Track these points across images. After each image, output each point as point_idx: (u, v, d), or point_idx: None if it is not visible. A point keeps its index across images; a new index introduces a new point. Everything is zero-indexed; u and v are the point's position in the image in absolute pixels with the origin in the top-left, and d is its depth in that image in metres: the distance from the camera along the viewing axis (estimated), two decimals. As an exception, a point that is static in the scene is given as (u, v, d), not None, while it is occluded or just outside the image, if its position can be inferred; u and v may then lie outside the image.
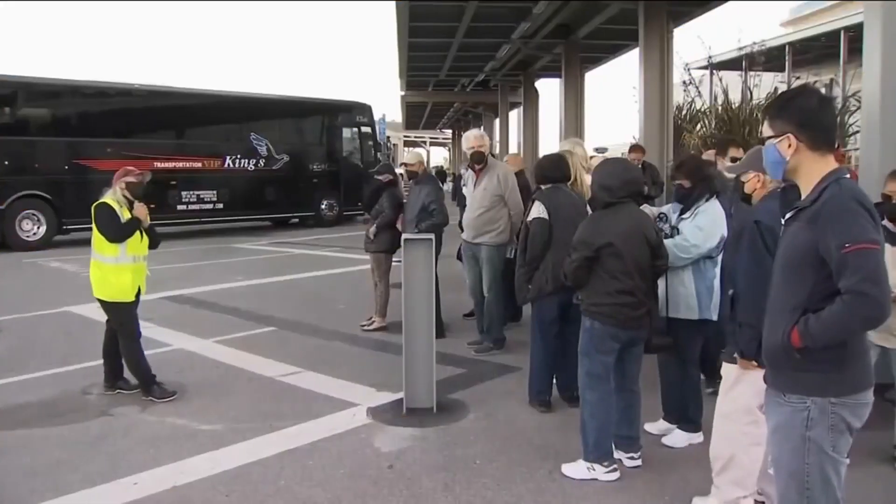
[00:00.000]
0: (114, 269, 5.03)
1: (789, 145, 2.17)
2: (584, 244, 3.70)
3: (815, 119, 2.19)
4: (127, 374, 5.23)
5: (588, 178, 5.83)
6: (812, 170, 2.16)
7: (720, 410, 3.30)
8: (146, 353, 6.25)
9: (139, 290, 5.16)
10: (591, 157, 6.53)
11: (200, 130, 18.29)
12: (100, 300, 5.11)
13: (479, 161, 6.37)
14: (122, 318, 5.11)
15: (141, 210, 5.13)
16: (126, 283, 5.05)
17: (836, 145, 2.37)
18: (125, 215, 5.04)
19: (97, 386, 5.38)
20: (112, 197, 5.06)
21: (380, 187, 7.23)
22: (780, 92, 2.60)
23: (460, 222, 7.48)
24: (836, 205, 2.06)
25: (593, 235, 3.70)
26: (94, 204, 5.03)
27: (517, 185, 6.45)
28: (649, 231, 3.81)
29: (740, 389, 3.18)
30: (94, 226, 5.04)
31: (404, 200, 7.22)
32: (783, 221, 2.26)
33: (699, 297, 4.05)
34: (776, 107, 2.28)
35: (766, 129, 2.27)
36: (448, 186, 24.68)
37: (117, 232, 4.99)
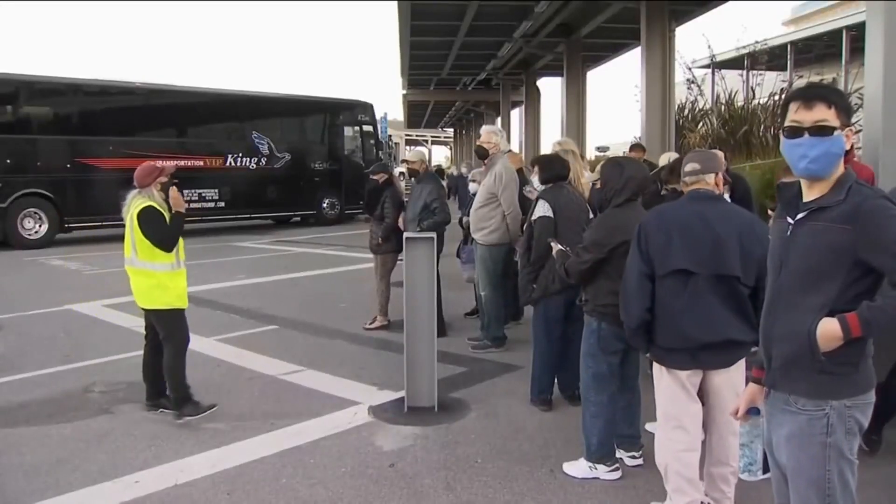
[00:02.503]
0: (171, 275, 4.69)
1: (848, 138, 2.10)
2: (598, 245, 3.66)
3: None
4: (132, 380, 5.02)
5: (587, 177, 5.85)
6: (839, 169, 2.11)
7: (658, 420, 3.33)
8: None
9: None
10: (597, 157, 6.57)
11: (202, 129, 18.32)
12: (153, 310, 4.71)
13: (481, 156, 6.43)
14: (176, 325, 4.73)
15: (179, 199, 4.70)
16: (183, 288, 4.74)
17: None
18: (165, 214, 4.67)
19: (98, 384, 5.39)
20: (152, 200, 4.64)
21: (377, 187, 7.21)
22: (821, 83, 2.49)
23: (460, 221, 7.49)
24: (875, 205, 2.01)
25: (607, 236, 3.66)
26: (140, 209, 4.57)
27: (516, 183, 6.42)
28: None
29: (659, 397, 3.21)
30: (137, 233, 4.59)
31: (405, 199, 7.21)
32: (790, 221, 2.17)
33: None
34: (842, 97, 2.15)
35: (831, 117, 2.08)
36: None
37: (172, 239, 4.64)
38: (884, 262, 1.99)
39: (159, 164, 4.88)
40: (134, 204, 4.67)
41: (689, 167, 3.22)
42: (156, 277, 4.67)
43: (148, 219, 4.58)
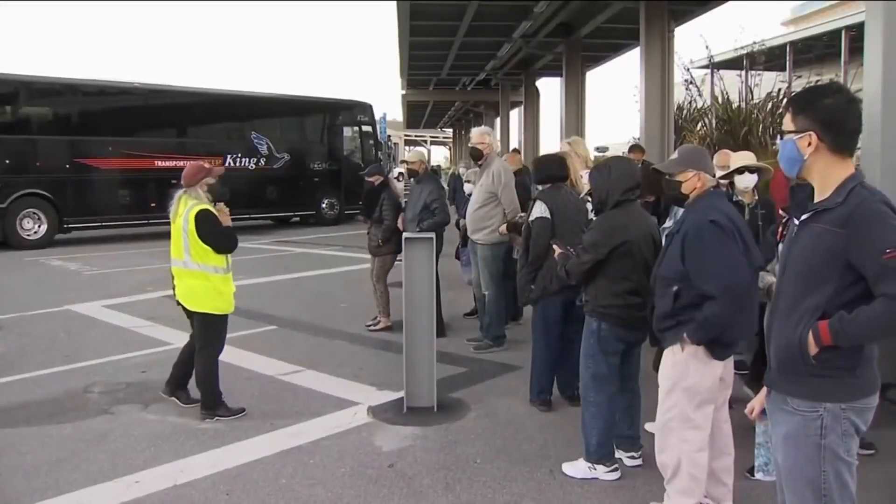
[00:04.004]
0: (223, 279, 4.68)
1: (809, 144, 2.11)
2: (597, 246, 3.67)
3: (841, 121, 2.12)
4: (131, 379, 5.00)
5: (586, 177, 5.85)
6: (830, 172, 2.11)
7: (659, 420, 3.28)
8: (147, 351, 6.29)
9: None
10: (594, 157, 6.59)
11: (201, 129, 18.30)
12: (199, 313, 4.68)
13: (476, 157, 6.43)
14: (218, 331, 4.75)
15: (226, 216, 4.73)
16: (232, 293, 4.75)
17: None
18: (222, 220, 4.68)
19: (98, 384, 5.39)
20: (203, 202, 4.63)
21: (374, 189, 7.19)
22: (808, 85, 2.50)
23: (458, 222, 7.49)
24: (869, 209, 2.00)
25: (605, 237, 3.67)
26: (197, 211, 4.54)
27: (514, 183, 6.42)
28: (655, 231, 3.82)
29: (676, 397, 3.18)
30: (192, 235, 4.55)
31: (404, 200, 7.20)
32: (796, 222, 2.19)
33: None
34: (803, 101, 2.18)
35: (787, 123, 2.19)
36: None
37: (231, 240, 4.68)
38: (867, 267, 1.98)
39: (207, 165, 4.87)
40: (184, 205, 4.63)
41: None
42: (210, 280, 4.64)
43: (205, 221, 4.56)
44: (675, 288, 3.09)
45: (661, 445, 3.27)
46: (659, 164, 3.31)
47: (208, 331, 4.72)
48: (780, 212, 4.33)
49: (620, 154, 10.32)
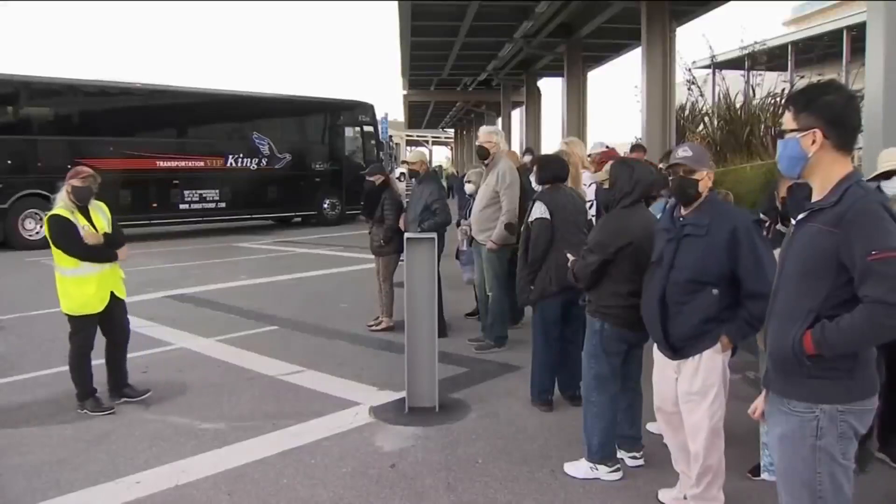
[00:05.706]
0: (74, 281, 4.76)
1: (813, 142, 2.08)
2: (602, 246, 3.65)
3: (844, 117, 2.09)
4: (132, 380, 5.10)
5: (585, 177, 5.84)
6: (832, 170, 2.08)
7: (706, 426, 3.18)
8: (148, 352, 6.28)
9: (114, 296, 4.90)
10: (589, 156, 6.58)
11: (203, 129, 18.32)
12: (65, 314, 4.86)
13: (483, 156, 6.39)
14: (75, 329, 4.87)
15: (91, 236, 4.76)
16: (88, 295, 4.78)
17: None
18: (80, 221, 4.76)
19: (99, 385, 5.38)
20: (62, 204, 4.76)
21: (375, 189, 7.18)
22: (807, 83, 2.42)
23: (458, 223, 7.48)
24: (862, 209, 1.98)
25: (611, 237, 3.65)
26: (47, 216, 4.78)
27: (517, 182, 6.38)
28: None
29: (721, 397, 3.18)
30: (49, 240, 4.78)
31: (405, 200, 7.19)
32: (793, 221, 2.18)
33: None
34: (804, 99, 2.14)
35: (788, 121, 2.15)
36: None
37: (74, 247, 4.72)
38: (855, 267, 1.96)
39: (82, 168, 4.93)
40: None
41: None
42: (62, 282, 4.82)
43: (52, 227, 4.73)
44: (715, 291, 3.08)
45: (708, 449, 3.20)
46: (683, 160, 3.20)
47: (71, 326, 4.88)
48: (762, 215, 4.34)
49: (622, 154, 10.30)
